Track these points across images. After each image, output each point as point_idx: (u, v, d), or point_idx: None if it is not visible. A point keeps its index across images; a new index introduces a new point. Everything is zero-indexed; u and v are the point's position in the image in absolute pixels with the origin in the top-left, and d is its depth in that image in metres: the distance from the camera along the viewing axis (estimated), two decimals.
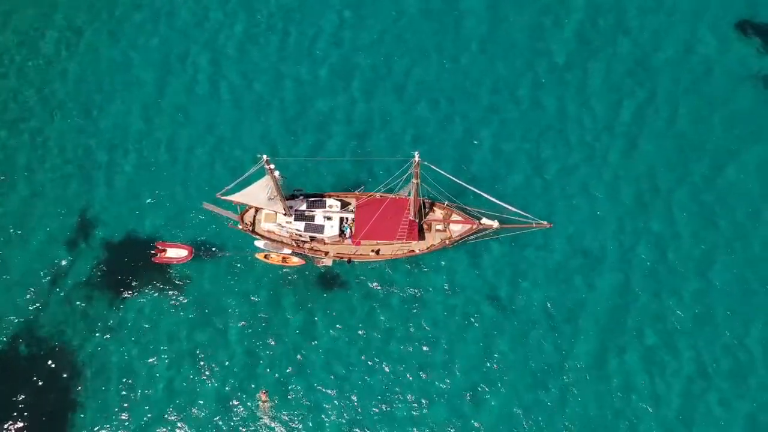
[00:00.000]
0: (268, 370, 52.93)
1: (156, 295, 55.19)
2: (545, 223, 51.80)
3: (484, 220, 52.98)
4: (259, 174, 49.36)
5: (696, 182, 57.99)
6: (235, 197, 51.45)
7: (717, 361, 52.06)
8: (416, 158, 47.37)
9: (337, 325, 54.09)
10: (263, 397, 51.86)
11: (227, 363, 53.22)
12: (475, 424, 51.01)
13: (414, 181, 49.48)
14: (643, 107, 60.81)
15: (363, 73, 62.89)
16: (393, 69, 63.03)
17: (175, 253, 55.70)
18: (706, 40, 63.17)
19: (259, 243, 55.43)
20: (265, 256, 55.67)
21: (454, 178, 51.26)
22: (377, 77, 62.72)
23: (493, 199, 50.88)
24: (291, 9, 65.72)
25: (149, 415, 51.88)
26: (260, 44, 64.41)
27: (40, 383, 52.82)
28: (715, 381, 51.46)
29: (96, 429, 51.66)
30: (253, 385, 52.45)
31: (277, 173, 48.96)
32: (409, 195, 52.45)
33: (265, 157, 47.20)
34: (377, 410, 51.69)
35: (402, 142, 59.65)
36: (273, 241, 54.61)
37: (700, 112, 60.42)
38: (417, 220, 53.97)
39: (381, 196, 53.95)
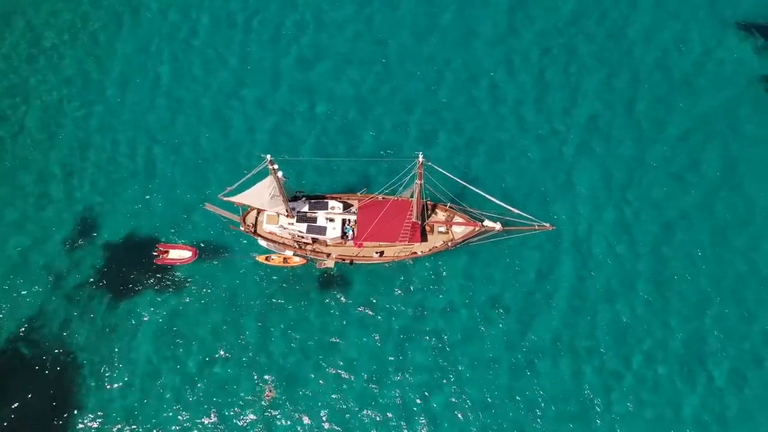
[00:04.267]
0: (270, 368, 52.80)
1: (158, 295, 54.98)
2: (548, 225, 51.76)
3: (487, 222, 52.98)
4: (262, 175, 49.28)
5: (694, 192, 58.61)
6: (238, 198, 51.30)
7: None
8: (420, 158, 47.37)
9: (338, 326, 53.96)
10: (268, 395, 51.68)
11: (230, 362, 53.02)
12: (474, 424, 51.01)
13: (417, 182, 49.43)
14: (642, 108, 61.45)
15: (368, 75, 63.25)
16: (396, 72, 63.34)
17: (178, 254, 55.56)
18: (701, 39, 64.09)
19: (264, 243, 55.28)
20: (267, 258, 55.55)
21: (457, 179, 51.31)
22: (381, 79, 63.03)
23: (496, 200, 50.87)
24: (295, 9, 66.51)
25: (151, 415, 51.60)
26: (261, 45, 64.74)
27: (41, 383, 52.47)
28: None
29: (97, 429, 51.30)
30: (256, 383, 52.32)
31: (280, 173, 48.87)
32: (411, 197, 52.51)
33: (268, 157, 47.07)
34: (377, 409, 51.57)
35: (405, 143, 59.81)
36: (275, 242, 54.48)
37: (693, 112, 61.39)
38: (419, 222, 53.95)
39: (383, 198, 53.97)
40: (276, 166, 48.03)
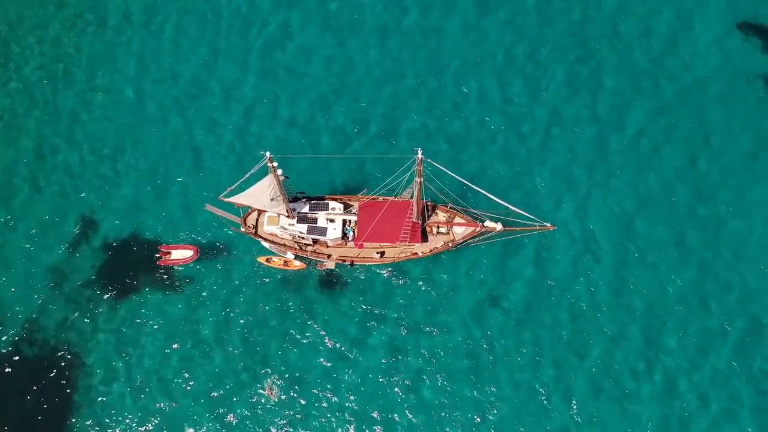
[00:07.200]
0: (271, 367, 52.74)
1: (159, 295, 55.14)
2: (549, 225, 51.56)
3: (488, 223, 52.88)
4: (262, 173, 49.44)
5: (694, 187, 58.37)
6: (238, 199, 51.32)
7: None
8: (419, 155, 47.38)
9: (339, 326, 53.83)
10: (269, 394, 51.54)
11: (230, 361, 52.96)
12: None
13: (417, 179, 49.41)
14: (641, 110, 61.45)
15: (370, 75, 63.56)
16: (398, 70, 63.57)
17: (180, 254, 55.78)
18: (700, 39, 64.24)
19: (266, 244, 55.32)
20: (267, 260, 55.61)
21: (457, 176, 51.23)
22: (382, 79, 63.30)
23: (496, 199, 50.64)
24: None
25: (152, 415, 51.54)
26: (263, 44, 65.24)
27: (43, 384, 52.56)
28: None
29: (99, 429, 51.20)
30: (256, 383, 52.23)
31: (279, 171, 48.99)
32: (411, 197, 52.50)
33: (268, 154, 47.20)
34: (377, 408, 51.25)
35: (404, 142, 59.94)
36: (276, 243, 54.54)
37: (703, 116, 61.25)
38: (420, 223, 53.87)
39: (384, 199, 54.01)
40: (275, 164, 48.18)
